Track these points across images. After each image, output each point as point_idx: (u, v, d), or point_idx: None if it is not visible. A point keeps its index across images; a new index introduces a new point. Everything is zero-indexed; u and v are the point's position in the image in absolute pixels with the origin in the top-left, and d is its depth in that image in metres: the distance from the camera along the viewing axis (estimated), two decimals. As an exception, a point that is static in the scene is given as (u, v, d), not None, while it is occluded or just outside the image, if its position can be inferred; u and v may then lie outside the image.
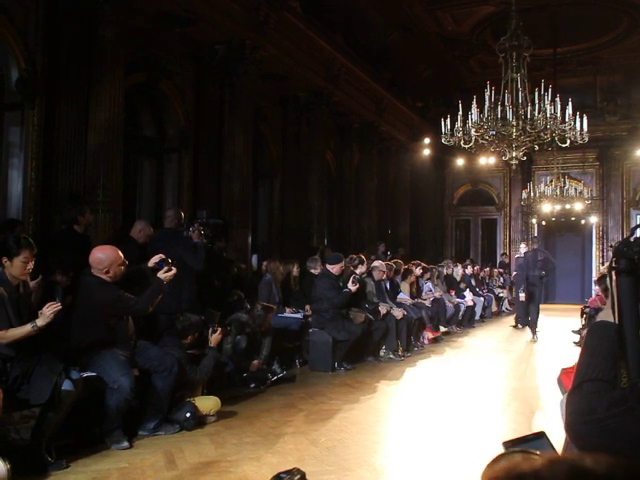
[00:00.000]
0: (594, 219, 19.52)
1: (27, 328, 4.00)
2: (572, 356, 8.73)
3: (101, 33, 7.90)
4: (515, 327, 13.23)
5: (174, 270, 4.98)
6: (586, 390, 1.26)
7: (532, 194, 16.63)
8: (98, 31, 7.89)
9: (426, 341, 10.57)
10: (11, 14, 7.29)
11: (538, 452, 0.99)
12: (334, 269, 8.31)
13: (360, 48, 14.24)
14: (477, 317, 14.30)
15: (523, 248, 12.72)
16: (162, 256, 5.04)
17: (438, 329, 11.44)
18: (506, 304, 17.69)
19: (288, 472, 1.89)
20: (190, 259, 6.31)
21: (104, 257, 4.77)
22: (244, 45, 10.16)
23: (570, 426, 1.28)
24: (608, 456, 0.71)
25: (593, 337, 1.37)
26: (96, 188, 7.77)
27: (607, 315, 1.36)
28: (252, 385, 6.60)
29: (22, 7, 7.43)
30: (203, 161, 10.37)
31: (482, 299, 14.84)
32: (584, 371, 1.31)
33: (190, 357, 5.56)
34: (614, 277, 1.35)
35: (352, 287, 8.05)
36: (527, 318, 12.17)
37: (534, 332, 11.64)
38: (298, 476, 1.88)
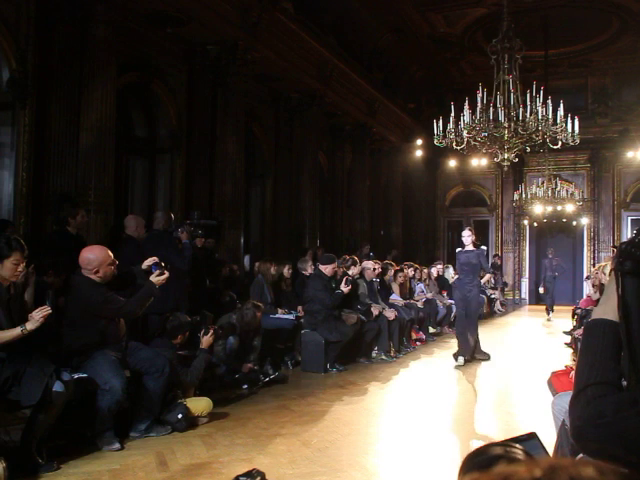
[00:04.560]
0: (585, 220, 19.61)
1: (16, 331, 3.98)
2: (563, 358, 8.79)
3: (93, 33, 7.89)
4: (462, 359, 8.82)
5: (167, 274, 4.97)
6: (592, 394, 1.24)
7: (524, 195, 16.69)
8: (90, 31, 7.88)
9: (418, 342, 10.59)
10: (2, 13, 7.26)
11: (518, 446, 0.99)
12: (327, 270, 8.32)
13: (352, 49, 14.25)
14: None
15: (467, 236, 8.96)
16: (155, 259, 5.04)
17: (428, 330, 11.48)
18: (498, 305, 17.74)
19: (247, 474, 1.86)
20: (176, 259, 6.30)
21: (93, 257, 4.77)
22: (236, 46, 10.15)
23: (579, 432, 1.25)
24: (611, 465, 0.69)
25: (592, 337, 1.34)
26: (88, 188, 7.75)
27: (603, 312, 1.34)
28: (244, 386, 6.59)
29: (13, 6, 7.39)
30: (195, 162, 10.35)
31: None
32: (587, 374, 1.29)
33: (181, 358, 5.55)
34: (619, 278, 1.33)
35: (344, 289, 8.06)
36: (471, 352, 8.90)
37: (549, 312, 15.82)
38: (258, 478, 1.86)
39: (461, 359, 8.62)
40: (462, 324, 9.00)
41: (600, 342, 1.31)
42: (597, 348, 1.31)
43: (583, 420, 1.24)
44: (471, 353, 8.90)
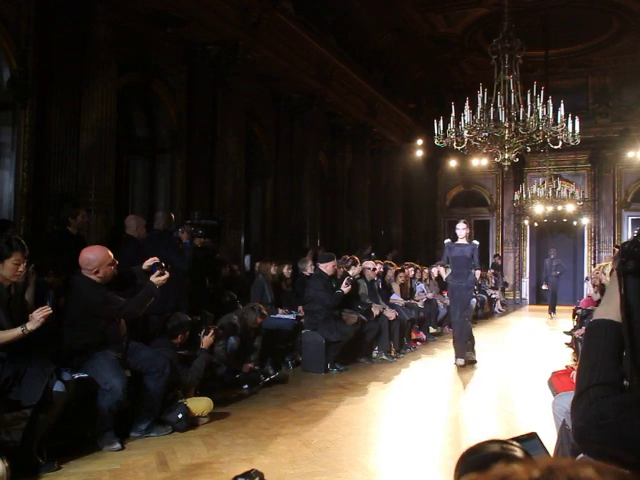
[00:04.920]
0: (586, 220, 19.61)
1: (17, 331, 3.97)
2: (563, 358, 8.79)
3: (93, 33, 7.89)
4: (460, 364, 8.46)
5: (167, 274, 4.98)
6: (594, 395, 1.23)
7: (524, 195, 16.69)
8: (90, 31, 7.88)
9: (419, 342, 10.59)
10: (3, 14, 7.26)
11: (515, 443, 0.99)
12: (326, 268, 8.32)
13: (353, 49, 14.25)
14: (469, 318, 14.32)
15: (462, 228, 8.57)
16: (156, 259, 5.05)
17: (428, 330, 11.48)
18: (499, 305, 17.76)
19: (246, 475, 1.83)
20: (176, 260, 6.30)
21: (93, 257, 4.77)
22: (237, 46, 10.15)
23: (581, 433, 1.24)
24: (611, 466, 0.68)
25: (593, 337, 1.33)
26: (88, 189, 7.76)
27: (605, 312, 1.33)
28: (245, 386, 6.59)
29: (14, 6, 7.39)
30: (195, 162, 10.35)
31: (474, 300, 14.86)
32: (589, 375, 1.27)
33: (181, 358, 5.55)
34: (622, 278, 1.31)
35: (345, 289, 8.06)
36: (465, 353, 8.53)
37: (552, 311, 16.48)
38: (257, 478, 1.83)
39: (460, 360, 8.39)
40: (457, 324, 8.62)
41: (602, 343, 1.30)
42: (599, 349, 1.30)
43: (585, 421, 1.23)
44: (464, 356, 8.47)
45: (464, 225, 8.61)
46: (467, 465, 0.95)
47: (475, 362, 8.65)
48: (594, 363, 1.29)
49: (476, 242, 8.74)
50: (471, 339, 8.75)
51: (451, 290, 8.95)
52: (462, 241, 8.56)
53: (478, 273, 9.11)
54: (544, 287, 17.89)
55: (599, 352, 1.30)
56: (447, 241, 8.86)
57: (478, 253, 8.71)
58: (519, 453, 0.96)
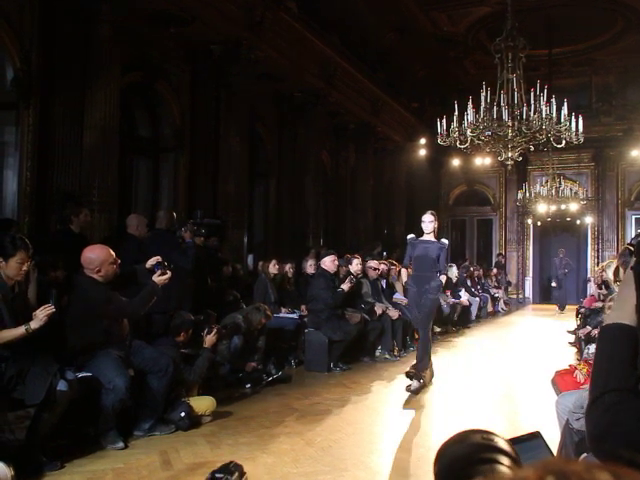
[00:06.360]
0: (589, 219, 19.55)
1: (20, 330, 3.98)
2: (567, 357, 8.77)
3: (97, 32, 7.90)
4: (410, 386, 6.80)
5: (169, 274, 4.99)
6: (609, 402, 1.21)
7: (527, 194, 16.65)
8: (94, 31, 7.88)
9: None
10: (6, 13, 7.27)
11: (496, 433, 0.98)
12: (327, 264, 8.32)
13: (356, 48, 14.23)
14: (472, 317, 14.31)
15: (429, 221, 6.96)
16: (159, 259, 5.07)
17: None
18: (502, 304, 17.74)
19: (224, 469, 1.73)
20: (178, 259, 6.31)
21: (94, 257, 4.78)
22: (240, 45, 10.15)
23: (596, 440, 1.22)
24: (627, 469, 0.67)
25: (607, 342, 1.31)
26: (91, 188, 7.77)
27: (618, 317, 1.31)
28: (247, 385, 6.59)
29: (18, 6, 7.40)
30: (199, 161, 10.36)
31: (478, 299, 14.87)
32: (604, 381, 1.25)
33: (184, 357, 5.56)
34: (637, 277, 1.29)
35: (345, 287, 8.05)
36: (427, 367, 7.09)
37: (560, 309, 17.28)
38: (236, 474, 1.73)
39: (415, 383, 6.75)
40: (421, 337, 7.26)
41: (616, 347, 1.28)
42: (613, 354, 1.28)
43: (601, 428, 1.21)
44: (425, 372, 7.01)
45: (431, 217, 7.02)
46: (449, 455, 0.95)
47: (415, 391, 6.69)
48: (608, 368, 1.27)
49: (445, 241, 7.20)
50: (422, 360, 6.99)
51: (409, 298, 7.68)
52: (428, 237, 7.05)
53: (444, 278, 7.35)
54: (553, 284, 18.51)
55: (613, 357, 1.27)
56: (410, 236, 7.26)
57: (446, 254, 7.31)
58: (501, 443, 0.95)
